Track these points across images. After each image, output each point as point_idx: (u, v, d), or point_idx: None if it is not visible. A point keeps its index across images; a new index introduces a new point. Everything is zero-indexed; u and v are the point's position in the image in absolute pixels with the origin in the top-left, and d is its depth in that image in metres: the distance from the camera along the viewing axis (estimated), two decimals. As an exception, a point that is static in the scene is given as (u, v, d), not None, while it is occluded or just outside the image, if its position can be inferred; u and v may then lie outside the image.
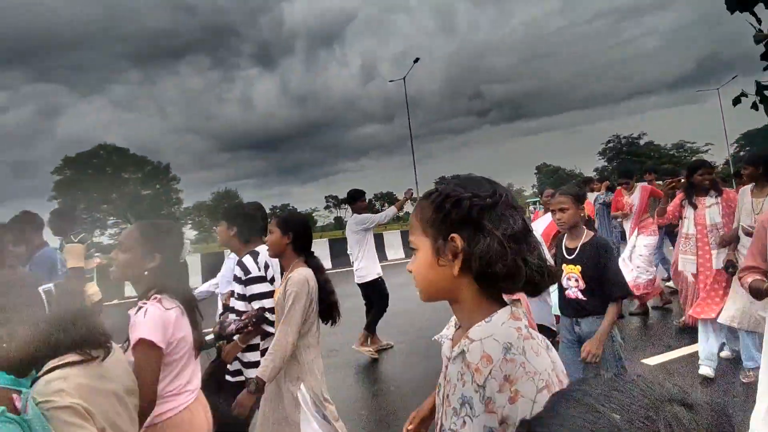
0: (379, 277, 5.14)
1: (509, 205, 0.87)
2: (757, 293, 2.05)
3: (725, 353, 4.13)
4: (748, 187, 3.69)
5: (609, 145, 64.20)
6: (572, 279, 2.61)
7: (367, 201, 5.34)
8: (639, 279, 5.50)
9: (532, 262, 0.83)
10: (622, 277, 2.57)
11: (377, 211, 6.05)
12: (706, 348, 3.80)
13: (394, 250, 14.93)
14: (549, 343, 0.85)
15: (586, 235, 2.64)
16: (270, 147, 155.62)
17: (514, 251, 0.83)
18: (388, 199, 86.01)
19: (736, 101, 3.53)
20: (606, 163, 56.64)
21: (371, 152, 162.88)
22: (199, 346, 1.83)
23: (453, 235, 0.85)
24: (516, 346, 0.79)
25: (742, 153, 52.50)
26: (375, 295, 5.15)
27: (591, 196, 6.73)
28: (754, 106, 3.33)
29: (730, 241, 3.71)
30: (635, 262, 5.57)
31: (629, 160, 53.76)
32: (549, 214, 4.32)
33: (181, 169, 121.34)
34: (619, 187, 6.07)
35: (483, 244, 0.83)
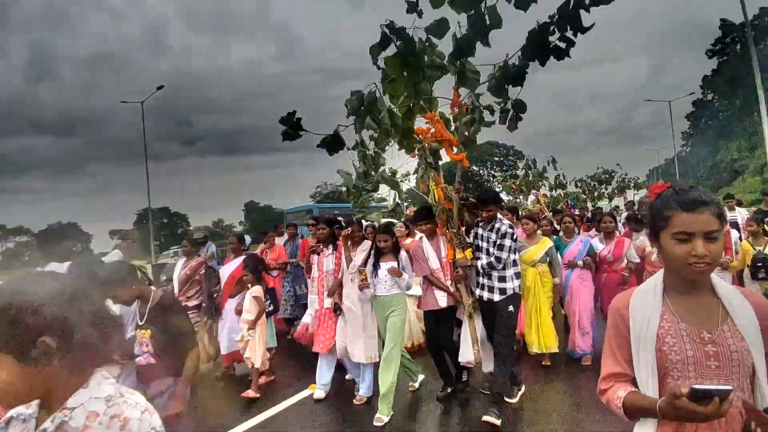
0: None
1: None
2: (643, 412, 1.30)
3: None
4: None
5: (317, 189, 61.74)
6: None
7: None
8: None
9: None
10: None
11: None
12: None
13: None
14: None
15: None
16: None
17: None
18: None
19: None
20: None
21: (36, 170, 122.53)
22: None
23: (42, 339, 0.96)
24: (115, 395, 1.05)
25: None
26: None
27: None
28: None
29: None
30: None
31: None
32: (239, 258, 5.32)
33: None
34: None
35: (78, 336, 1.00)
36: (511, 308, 3.87)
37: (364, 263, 4.27)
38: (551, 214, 8.31)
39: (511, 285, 3.88)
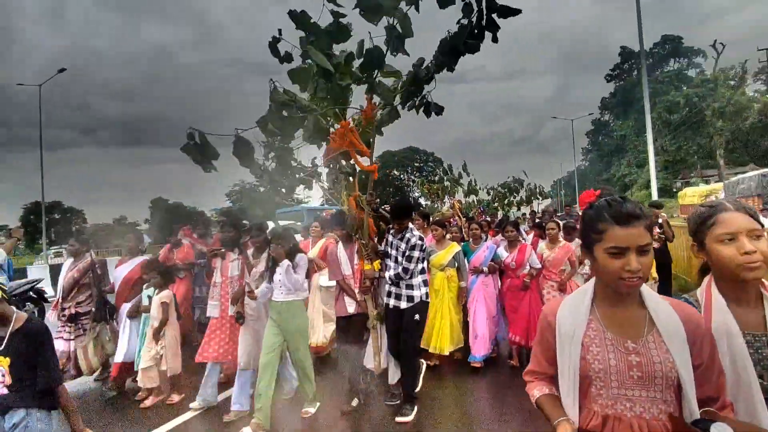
0: None
1: None
2: (547, 418, 1.39)
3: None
4: None
5: (235, 187, 63.41)
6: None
7: None
8: None
9: None
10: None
11: None
12: None
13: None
14: None
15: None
16: None
17: None
18: None
19: None
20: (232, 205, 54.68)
21: None
22: None
23: None
24: None
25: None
26: None
27: None
28: None
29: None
30: None
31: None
32: (136, 259, 5.09)
33: None
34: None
35: None
36: (417, 317, 3.92)
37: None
38: (464, 220, 8.59)
39: (418, 293, 3.95)
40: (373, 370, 4.09)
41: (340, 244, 4.40)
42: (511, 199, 17.39)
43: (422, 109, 3.70)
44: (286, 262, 3.88)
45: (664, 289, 6.03)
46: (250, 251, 4.42)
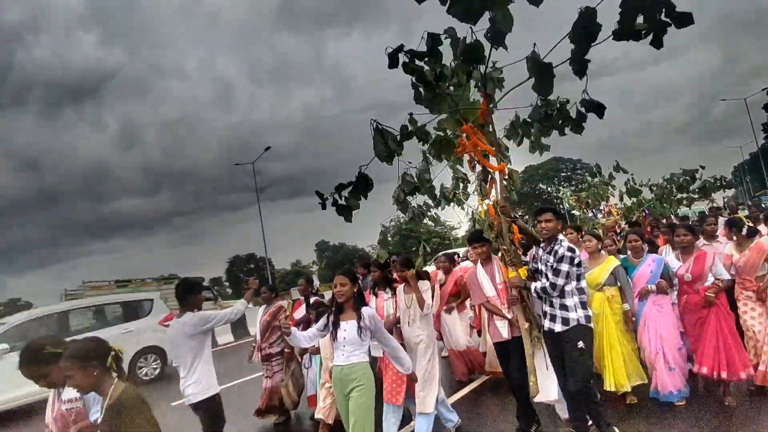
0: (216, 394, 3.74)
1: None
2: None
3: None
4: None
5: (391, 222, 56.58)
6: None
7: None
8: None
9: None
10: None
11: None
12: None
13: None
14: None
15: None
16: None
17: None
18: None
19: None
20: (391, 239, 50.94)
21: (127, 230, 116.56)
22: None
23: None
24: None
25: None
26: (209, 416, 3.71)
27: None
28: None
29: None
30: None
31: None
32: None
33: None
34: None
35: None
36: (581, 344, 3.41)
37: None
38: (627, 225, 7.68)
39: (574, 315, 3.45)
40: (550, 400, 3.71)
41: (479, 265, 4.14)
42: (682, 195, 15.01)
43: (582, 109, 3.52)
44: (350, 314, 3.47)
45: None
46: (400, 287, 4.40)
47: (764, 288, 4.09)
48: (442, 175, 4.81)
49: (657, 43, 2.71)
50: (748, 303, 4.22)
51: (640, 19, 2.68)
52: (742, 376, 3.90)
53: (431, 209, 5.07)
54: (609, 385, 4.15)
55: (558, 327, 3.50)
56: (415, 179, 4.29)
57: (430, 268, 8.29)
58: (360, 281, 5.87)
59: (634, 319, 4.29)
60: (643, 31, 2.72)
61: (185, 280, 4.42)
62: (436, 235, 42.57)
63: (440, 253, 10.71)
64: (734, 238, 4.45)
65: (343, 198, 3.88)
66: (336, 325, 3.36)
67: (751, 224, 5.49)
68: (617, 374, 4.13)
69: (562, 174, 59.45)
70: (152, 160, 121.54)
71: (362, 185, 3.81)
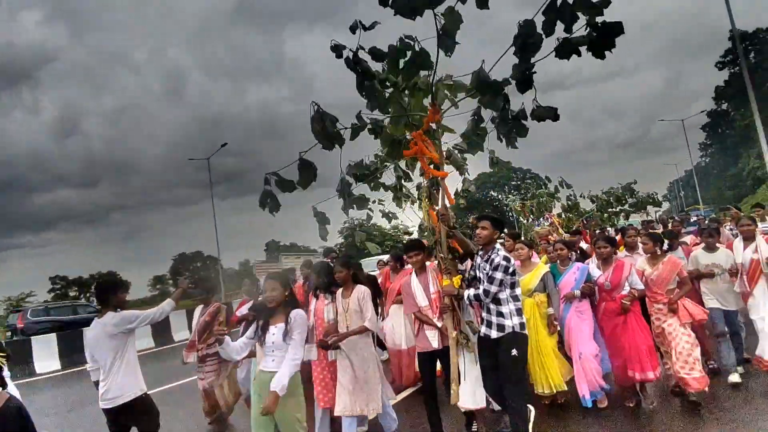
0: (144, 394, 3.66)
1: None
2: None
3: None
4: None
5: (345, 224, 61.27)
6: None
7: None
8: None
9: None
10: None
11: None
12: None
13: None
14: None
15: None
16: None
17: None
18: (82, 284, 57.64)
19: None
20: (342, 240, 50.26)
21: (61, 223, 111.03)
22: None
23: None
24: None
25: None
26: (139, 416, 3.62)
27: None
28: None
29: None
30: None
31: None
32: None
33: None
34: None
35: None
36: (515, 352, 3.52)
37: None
38: (568, 235, 8.03)
39: (510, 322, 3.58)
40: (471, 406, 3.84)
41: (413, 275, 4.18)
42: (621, 208, 16.02)
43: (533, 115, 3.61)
44: (279, 317, 3.44)
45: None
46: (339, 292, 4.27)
47: (675, 300, 4.39)
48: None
49: (599, 54, 2.90)
50: (660, 316, 4.49)
51: (560, 28, 2.86)
52: (650, 376, 4.20)
53: (383, 204, 5.13)
54: (542, 388, 4.33)
55: (494, 333, 3.63)
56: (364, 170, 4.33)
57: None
58: (305, 284, 5.97)
59: (556, 323, 4.55)
60: (585, 47, 2.89)
61: (105, 278, 4.31)
62: (389, 238, 42.80)
63: (386, 255, 10.99)
64: (657, 251, 4.72)
65: (273, 182, 3.79)
66: (265, 329, 3.28)
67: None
68: (552, 374, 4.32)
69: (512, 183, 61.40)
70: (93, 150, 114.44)
71: (305, 173, 3.71)
